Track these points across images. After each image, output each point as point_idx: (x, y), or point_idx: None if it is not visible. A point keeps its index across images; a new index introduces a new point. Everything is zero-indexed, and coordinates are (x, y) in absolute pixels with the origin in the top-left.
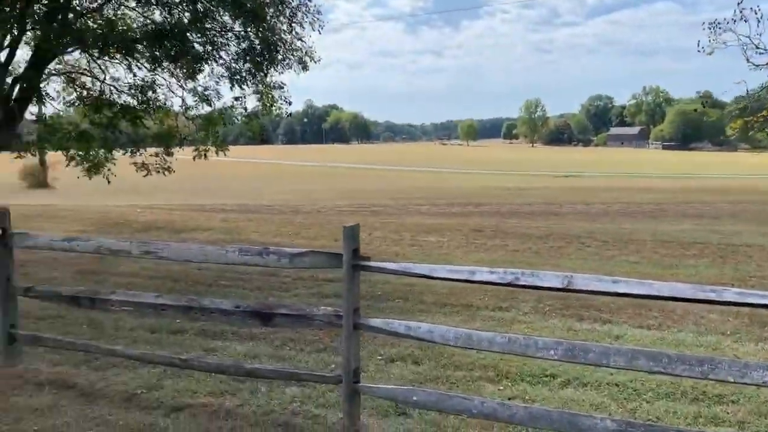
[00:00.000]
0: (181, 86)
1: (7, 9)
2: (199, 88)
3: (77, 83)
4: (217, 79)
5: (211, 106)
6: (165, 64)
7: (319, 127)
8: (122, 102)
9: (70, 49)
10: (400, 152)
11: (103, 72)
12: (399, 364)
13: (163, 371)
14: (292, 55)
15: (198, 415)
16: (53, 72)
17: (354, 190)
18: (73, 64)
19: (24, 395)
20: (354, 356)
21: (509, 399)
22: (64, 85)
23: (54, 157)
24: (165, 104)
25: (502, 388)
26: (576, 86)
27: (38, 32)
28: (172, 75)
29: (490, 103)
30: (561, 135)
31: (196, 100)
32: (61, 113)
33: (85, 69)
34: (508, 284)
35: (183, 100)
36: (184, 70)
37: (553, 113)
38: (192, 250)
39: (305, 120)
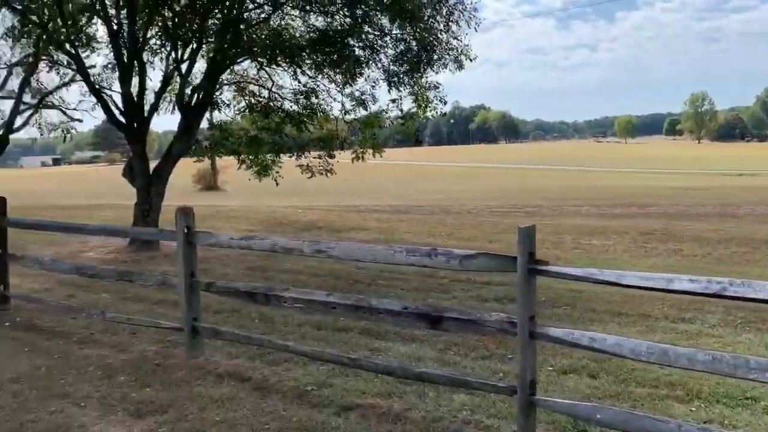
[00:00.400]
0: (339, 91)
1: (187, 25)
2: (356, 93)
3: (246, 92)
4: (373, 83)
5: (366, 109)
6: (326, 69)
7: (465, 127)
8: (287, 108)
9: (240, 59)
10: (551, 151)
11: (271, 79)
12: (573, 377)
13: (332, 369)
14: (448, 54)
15: (367, 416)
16: (224, 82)
17: (503, 191)
18: (241, 73)
19: (206, 386)
20: (530, 367)
21: (704, 423)
22: (234, 93)
23: (223, 161)
24: (325, 109)
25: (693, 409)
26: (748, 77)
27: (213, 45)
28: (331, 81)
29: (649, 98)
30: (732, 130)
31: (353, 104)
32: (230, 120)
33: (253, 78)
34: (714, 295)
35: (342, 104)
36: (344, 75)
37: (722, 107)
38: (361, 250)
39: (451, 121)
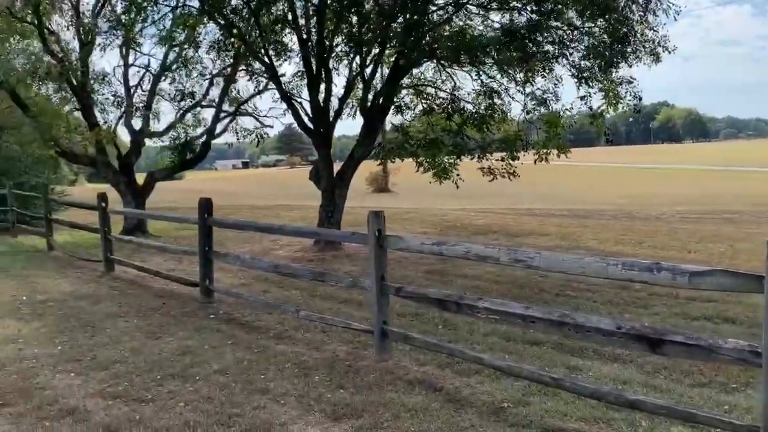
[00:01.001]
0: (519, 90)
1: (372, 29)
2: (538, 92)
3: (424, 94)
4: (556, 81)
5: (547, 108)
6: (508, 68)
7: (646, 126)
8: (469, 109)
9: (423, 62)
10: (745, 151)
11: (453, 80)
12: None
13: (527, 386)
14: (643, 46)
15: None
16: (403, 85)
17: (694, 194)
18: (418, 76)
19: (398, 392)
20: None
21: None
22: (412, 96)
23: (393, 164)
24: (505, 109)
25: None
26: None
27: (396, 48)
28: (511, 80)
29: None
30: None
31: (534, 104)
32: (409, 123)
33: (429, 80)
34: None
35: (524, 104)
36: (527, 73)
37: None
38: (566, 262)
39: (630, 119)
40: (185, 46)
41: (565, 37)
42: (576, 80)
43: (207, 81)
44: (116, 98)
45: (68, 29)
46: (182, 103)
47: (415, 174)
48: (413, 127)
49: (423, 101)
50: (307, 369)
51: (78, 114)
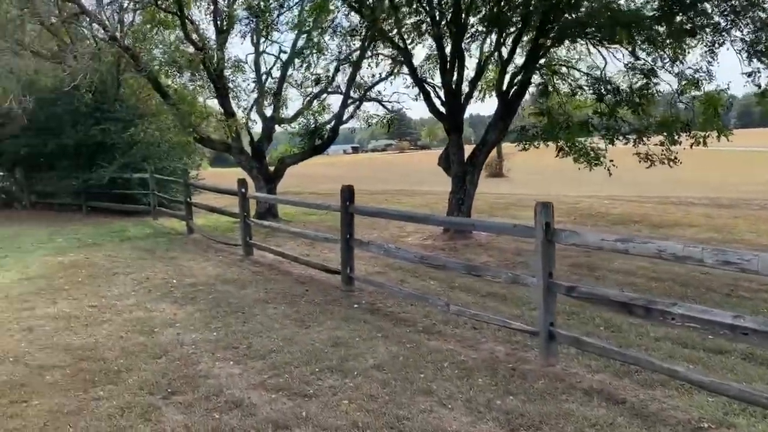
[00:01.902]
0: (667, 69)
1: (513, 7)
2: (688, 70)
3: (558, 75)
4: (710, 59)
5: (699, 89)
6: (662, 44)
7: None
8: (622, 90)
9: (567, 40)
10: None
11: (596, 59)
12: None
13: (726, 403)
14: None
15: None
16: (540, 65)
17: None
18: (558, 55)
19: (575, 403)
20: None
21: None
22: (548, 77)
23: (506, 148)
24: (657, 89)
25: None
26: None
27: (537, 26)
28: (660, 57)
29: None
30: None
31: (684, 83)
32: (552, 105)
33: (564, 60)
34: None
35: (679, 83)
36: (677, 50)
37: None
38: None
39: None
40: (314, 33)
41: (738, 6)
42: (746, 55)
43: (334, 67)
44: (255, 84)
45: (205, 17)
46: (309, 90)
47: (531, 159)
48: (555, 110)
49: (562, 81)
50: (467, 370)
51: (213, 101)
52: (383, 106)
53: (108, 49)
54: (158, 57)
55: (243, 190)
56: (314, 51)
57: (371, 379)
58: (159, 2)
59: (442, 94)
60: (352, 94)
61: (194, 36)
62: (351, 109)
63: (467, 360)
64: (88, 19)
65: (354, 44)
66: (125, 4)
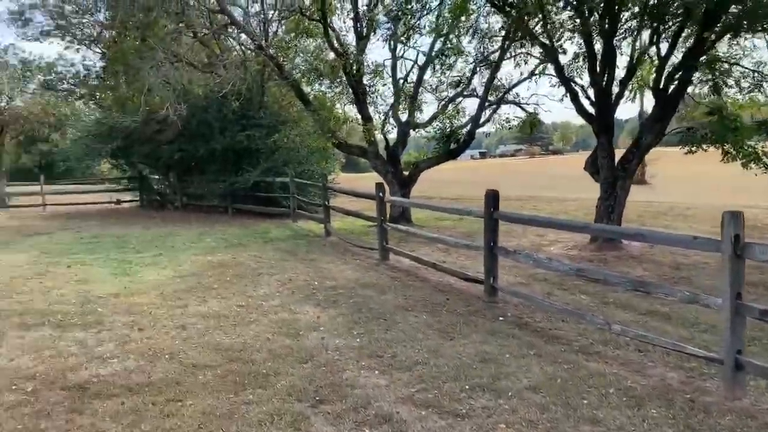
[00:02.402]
0: None
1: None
2: None
3: (721, 72)
4: None
5: None
6: None
7: None
8: None
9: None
10: None
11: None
12: None
13: None
14: None
15: None
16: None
17: None
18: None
19: None
20: None
21: None
22: (715, 74)
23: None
24: None
25: None
26: None
27: (699, 21)
28: None
29: None
30: None
31: None
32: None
33: (727, 55)
34: None
35: None
36: None
37: None
38: None
39: None
40: (451, 35)
41: None
42: None
43: (470, 70)
44: (391, 89)
45: (344, 24)
46: (444, 94)
47: (673, 165)
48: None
49: (727, 78)
50: (636, 398)
51: (350, 107)
52: (522, 108)
53: (254, 58)
54: (300, 65)
55: (381, 194)
56: (451, 54)
57: (528, 402)
58: (304, 11)
59: (591, 93)
60: (489, 97)
61: (335, 43)
62: (487, 112)
63: (635, 387)
64: (236, 30)
65: (492, 46)
66: (270, 15)
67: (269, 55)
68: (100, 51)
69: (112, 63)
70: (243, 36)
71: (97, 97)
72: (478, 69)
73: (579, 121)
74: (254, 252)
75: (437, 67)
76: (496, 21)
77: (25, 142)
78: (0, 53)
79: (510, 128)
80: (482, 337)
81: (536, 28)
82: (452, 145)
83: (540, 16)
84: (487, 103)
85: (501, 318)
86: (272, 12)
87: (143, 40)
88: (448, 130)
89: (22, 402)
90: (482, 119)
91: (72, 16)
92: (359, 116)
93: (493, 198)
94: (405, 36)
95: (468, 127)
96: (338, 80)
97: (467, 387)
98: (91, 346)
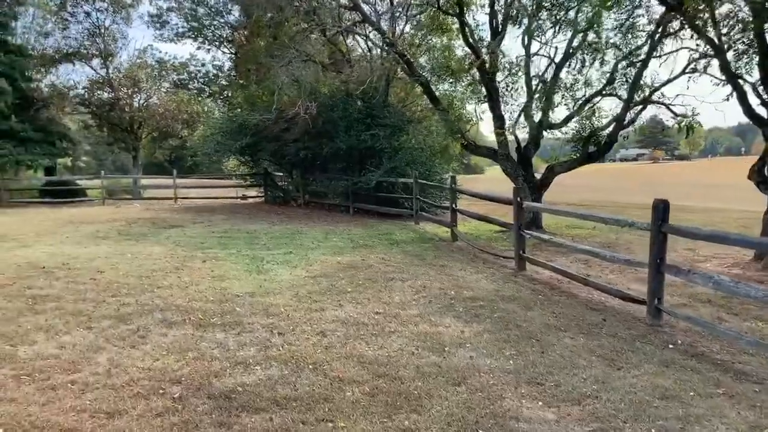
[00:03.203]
0: None
1: None
2: None
3: None
4: None
5: None
6: None
7: None
8: None
9: None
10: None
11: None
12: None
13: None
14: None
15: None
16: None
17: None
18: None
19: None
20: None
21: None
22: None
23: None
24: None
25: None
26: None
27: None
28: None
29: None
30: None
31: None
32: None
33: None
34: None
35: None
36: None
37: None
38: None
39: None
40: (591, 31)
41: None
42: None
43: (611, 68)
44: (527, 88)
45: (475, 20)
46: (581, 93)
47: None
48: None
49: None
50: None
51: (477, 106)
52: (669, 109)
53: (383, 56)
54: (430, 62)
55: (519, 199)
56: (593, 50)
57: None
58: (441, 5)
59: (763, 93)
60: (635, 96)
61: (470, 39)
62: (632, 113)
63: None
64: (367, 27)
65: (636, 41)
66: (398, 12)
67: (399, 53)
68: (229, 51)
69: (243, 62)
70: (369, 34)
71: (227, 95)
72: (620, 66)
73: (708, 125)
74: (381, 254)
75: (575, 64)
76: (641, 14)
77: (159, 137)
78: (139, 53)
79: (663, 128)
80: (655, 368)
81: (695, 19)
82: (591, 148)
83: (704, 5)
84: (631, 104)
85: (671, 345)
86: (401, 9)
87: (274, 38)
88: (587, 131)
89: (169, 409)
90: (626, 120)
91: (204, 18)
92: (491, 115)
93: (663, 209)
94: (540, 31)
95: (610, 128)
96: (469, 78)
97: (653, 430)
98: (233, 349)
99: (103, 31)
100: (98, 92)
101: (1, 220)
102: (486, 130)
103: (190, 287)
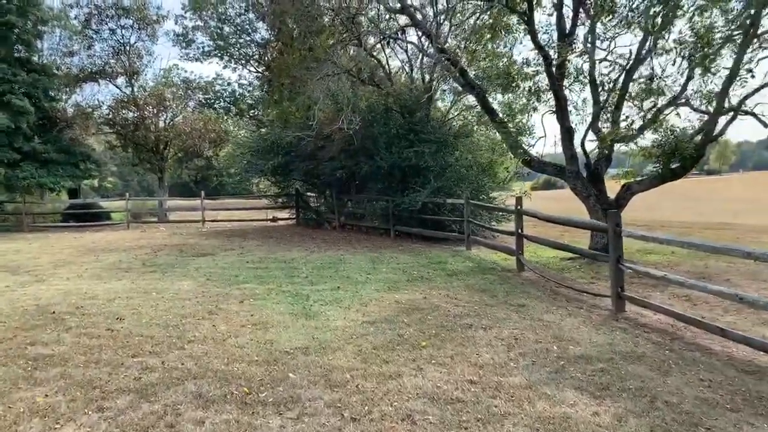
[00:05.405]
0: None
1: None
2: None
3: None
4: None
5: None
6: None
7: None
8: None
9: None
10: None
11: None
12: None
13: None
14: None
15: None
16: None
17: None
18: None
19: None
20: None
21: None
22: None
23: None
24: None
25: None
26: None
27: None
28: None
29: None
30: None
31: None
32: None
33: None
34: None
35: None
36: None
37: None
38: None
39: None
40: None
41: None
42: None
43: (686, 74)
44: (593, 97)
45: (541, 20)
46: (652, 101)
47: None
48: None
49: None
50: None
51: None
52: (759, 120)
53: (431, 65)
54: (485, 70)
55: (617, 224)
56: (666, 53)
57: None
58: (509, 2)
59: None
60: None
61: (539, 39)
62: (721, 124)
63: None
64: (416, 31)
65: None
66: (442, 19)
67: (453, 60)
68: (255, 70)
69: (276, 75)
70: (415, 42)
71: (255, 113)
72: (696, 72)
73: (737, 138)
74: (443, 290)
75: (647, 70)
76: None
77: (185, 157)
78: (165, 73)
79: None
80: None
81: None
82: (674, 164)
83: None
84: (721, 113)
85: None
86: (453, 10)
87: (310, 49)
88: (673, 144)
89: None
90: (716, 132)
91: (230, 36)
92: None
93: None
94: (610, 33)
95: (697, 139)
96: (531, 85)
97: None
98: None
99: (128, 48)
100: (123, 111)
101: (21, 247)
102: (547, 144)
103: (228, 340)
